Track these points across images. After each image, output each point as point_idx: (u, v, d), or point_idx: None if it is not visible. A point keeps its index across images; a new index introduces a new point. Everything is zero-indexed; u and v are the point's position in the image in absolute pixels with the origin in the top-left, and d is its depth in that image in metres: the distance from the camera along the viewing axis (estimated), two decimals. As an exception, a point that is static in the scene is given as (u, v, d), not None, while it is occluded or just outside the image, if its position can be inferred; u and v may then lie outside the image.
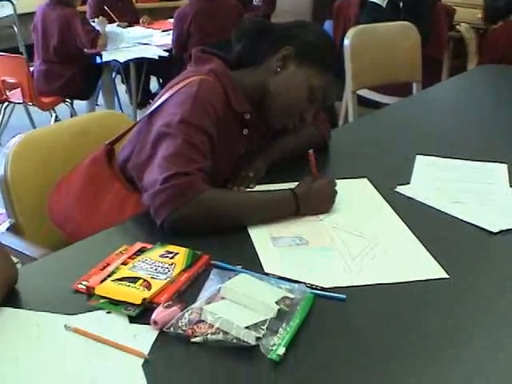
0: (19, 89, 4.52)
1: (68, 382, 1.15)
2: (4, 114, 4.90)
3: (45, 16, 4.70)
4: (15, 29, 6.49)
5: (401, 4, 4.19)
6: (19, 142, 1.96)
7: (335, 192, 1.78)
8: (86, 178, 1.84)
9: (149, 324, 1.28)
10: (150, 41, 5.04)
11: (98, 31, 4.81)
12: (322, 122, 2.14)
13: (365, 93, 3.77)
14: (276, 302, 1.31)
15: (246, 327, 1.23)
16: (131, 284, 1.37)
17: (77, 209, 1.83)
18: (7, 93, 4.65)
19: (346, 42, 3.52)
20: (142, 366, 1.18)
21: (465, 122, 2.56)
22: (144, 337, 1.25)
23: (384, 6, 4.25)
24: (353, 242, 1.61)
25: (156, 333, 1.26)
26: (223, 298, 1.32)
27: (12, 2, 6.34)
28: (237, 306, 1.29)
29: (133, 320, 1.30)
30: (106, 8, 5.45)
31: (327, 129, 2.18)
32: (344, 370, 1.19)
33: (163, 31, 5.32)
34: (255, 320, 1.26)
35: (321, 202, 1.75)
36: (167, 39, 4.87)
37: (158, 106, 1.81)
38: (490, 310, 1.37)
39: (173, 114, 1.73)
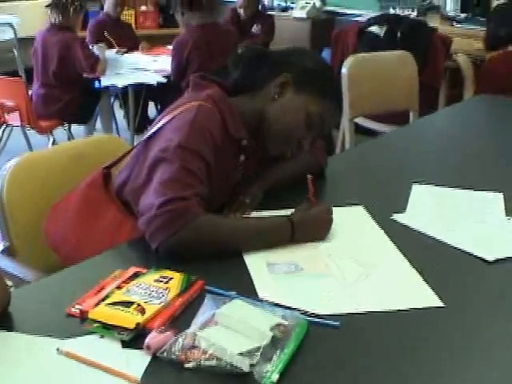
0: (17, 112, 4.53)
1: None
2: (2, 137, 4.91)
3: (45, 40, 4.72)
4: (15, 53, 6.51)
5: (398, 33, 4.22)
6: (16, 164, 1.96)
7: (331, 220, 1.77)
8: (83, 201, 1.84)
9: (142, 349, 1.27)
10: (149, 67, 5.07)
11: (98, 56, 4.83)
12: (319, 150, 2.15)
13: (362, 121, 3.78)
14: (270, 329, 1.30)
15: (240, 354, 1.22)
16: (125, 308, 1.36)
17: (72, 232, 1.82)
18: (5, 115, 4.66)
19: (344, 70, 3.54)
20: (135, 389, 1.18)
21: (461, 151, 2.56)
22: (137, 362, 1.25)
23: (382, 35, 4.28)
24: (348, 268, 1.60)
25: (149, 358, 1.25)
26: (217, 324, 1.31)
27: (13, 26, 6.38)
28: (231, 332, 1.29)
29: (126, 345, 1.29)
30: (105, 34, 5.47)
31: (324, 156, 2.18)
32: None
33: (156, 57, 5.36)
34: (249, 347, 1.25)
35: (317, 230, 1.75)
36: (166, 65, 4.89)
37: (156, 131, 1.81)
38: (485, 339, 1.36)
39: (170, 140, 1.73)
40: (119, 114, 5.84)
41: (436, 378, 1.23)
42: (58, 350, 1.27)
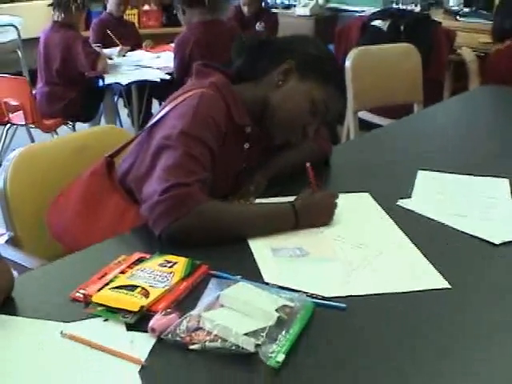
0: (21, 111, 4.52)
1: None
2: (6, 136, 4.90)
3: (48, 39, 4.72)
4: (19, 54, 6.52)
5: (402, 27, 4.20)
6: (19, 155, 1.95)
7: (335, 205, 1.76)
8: (86, 190, 1.83)
9: (146, 331, 1.26)
10: (152, 64, 5.06)
11: (99, 53, 4.82)
12: (323, 138, 2.13)
13: (366, 116, 3.76)
14: (276, 310, 1.29)
15: (245, 334, 1.21)
16: (129, 292, 1.35)
17: (75, 221, 1.81)
18: (9, 115, 4.66)
19: (347, 63, 3.53)
20: (139, 372, 1.16)
21: (466, 139, 2.55)
22: (141, 344, 1.24)
23: (385, 29, 4.26)
24: (354, 252, 1.59)
25: (153, 340, 1.24)
26: (222, 306, 1.30)
27: (16, 27, 6.38)
28: (236, 314, 1.28)
29: (130, 327, 1.28)
30: (108, 32, 5.47)
31: (328, 144, 2.17)
32: (343, 379, 1.17)
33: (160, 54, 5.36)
34: (254, 327, 1.24)
35: (320, 215, 1.74)
36: (169, 62, 4.88)
37: (159, 119, 1.80)
38: (492, 320, 1.35)
39: (173, 127, 1.72)
40: (123, 112, 5.84)
41: (443, 358, 1.21)
42: (61, 333, 1.26)
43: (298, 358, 1.20)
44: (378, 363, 1.21)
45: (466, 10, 5.31)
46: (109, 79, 4.72)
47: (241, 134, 1.86)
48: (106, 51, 5.20)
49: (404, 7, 5.44)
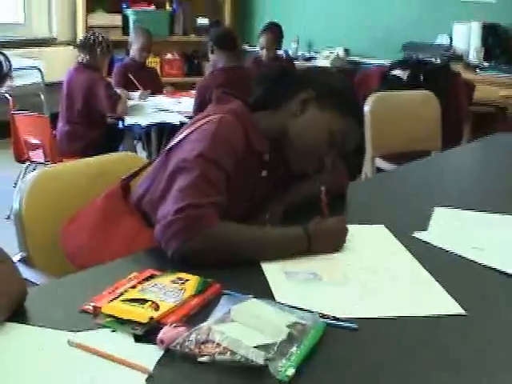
0: (41, 149, 4.56)
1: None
2: (25, 174, 4.94)
3: (72, 79, 4.78)
4: (42, 97, 6.59)
5: (421, 77, 4.22)
6: (35, 177, 1.96)
7: (346, 230, 1.75)
8: (101, 211, 1.83)
9: (155, 343, 1.24)
10: (172, 108, 5.10)
11: (120, 96, 4.87)
12: (341, 171, 2.13)
13: (383, 165, 3.76)
14: (287, 326, 1.27)
15: (255, 347, 1.19)
16: (139, 305, 1.33)
17: (89, 242, 1.81)
18: (29, 153, 4.70)
19: (366, 108, 3.53)
20: (146, 380, 1.14)
21: (481, 181, 2.54)
22: (149, 355, 1.22)
23: (405, 78, 4.29)
24: (366, 278, 1.57)
25: (161, 352, 1.23)
26: (233, 321, 1.28)
27: (40, 70, 6.47)
28: (246, 328, 1.26)
29: (138, 339, 1.27)
30: (130, 76, 5.54)
31: (345, 178, 2.16)
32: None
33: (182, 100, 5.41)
34: (265, 341, 1.22)
35: (332, 240, 1.73)
36: (189, 107, 4.92)
37: (177, 143, 1.81)
38: (508, 348, 1.32)
39: (191, 150, 1.73)
40: (142, 155, 5.87)
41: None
42: (68, 341, 1.24)
43: (307, 373, 1.18)
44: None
45: (486, 64, 5.33)
46: (129, 121, 4.76)
47: (258, 161, 1.86)
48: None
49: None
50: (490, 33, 5.57)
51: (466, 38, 5.70)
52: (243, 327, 1.26)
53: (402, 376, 1.21)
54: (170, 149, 1.82)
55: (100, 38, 4.80)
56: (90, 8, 7.10)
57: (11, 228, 1.95)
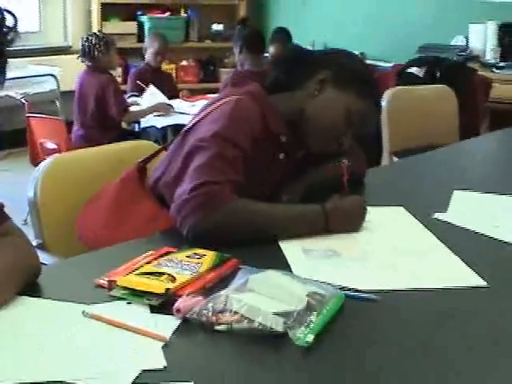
0: (57, 154, 4.55)
1: (84, 364, 1.09)
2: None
3: (83, 81, 4.78)
4: (57, 104, 6.60)
5: (438, 74, 4.20)
6: (50, 163, 1.95)
7: (365, 210, 1.72)
8: (117, 195, 1.81)
9: (171, 314, 1.22)
10: (188, 111, 5.09)
11: (127, 107, 4.87)
12: (359, 157, 2.10)
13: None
14: (306, 295, 1.24)
15: (274, 314, 1.17)
16: (155, 277, 1.31)
17: (106, 225, 1.79)
18: (45, 157, 4.69)
19: (383, 103, 3.50)
20: (162, 347, 1.12)
21: (501, 168, 2.51)
22: (165, 324, 1.19)
23: (421, 75, 4.26)
24: (387, 254, 1.55)
25: (178, 322, 1.20)
26: (250, 291, 1.26)
27: (55, 77, 6.48)
28: (264, 297, 1.23)
29: (154, 310, 1.24)
30: (138, 82, 5.52)
31: (363, 163, 2.13)
32: (371, 365, 1.12)
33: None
34: (283, 309, 1.19)
35: (350, 219, 1.70)
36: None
37: (193, 125, 1.79)
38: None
39: (207, 130, 1.71)
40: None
41: (473, 355, 1.15)
42: (83, 312, 1.22)
43: (327, 341, 1.16)
44: (407, 353, 1.16)
45: (503, 63, 5.29)
46: (144, 123, 4.76)
47: (276, 143, 1.83)
48: (143, 100, 5.25)
49: (440, 58, 5.43)
50: (507, 32, 5.53)
51: (483, 38, 5.66)
52: (261, 296, 1.23)
53: (422, 348, 1.18)
54: (187, 131, 1.80)
55: (94, 40, 4.78)
56: (105, 16, 7.12)
57: (29, 232, 1.92)
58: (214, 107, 1.79)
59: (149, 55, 5.82)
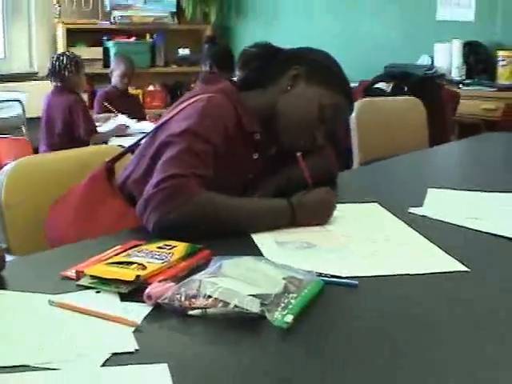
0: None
1: (52, 349, 1.03)
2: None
3: (50, 102, 4.72)
4: (23, 130, 6.51)
5: (405, 88, 4.20)
6: (15, 165, 1.89)
7: (332, 201, 1.69)
8: (84, 194, 1.76)
9: (142, 302, 1.16)
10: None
11: (95, 129, 4.82)
12: (331, 157, 2.06)
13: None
14: (283, 278, 1.19)
15: (250, 295, 1.12)
16: (125, 266, 1.26)
17: (73, 226, 1.73)
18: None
19: (353, 114, 3.49)
20: (134, 332, 1.06)
21: (477, 173, 2.48)
22: (136, 312, 1.14)
23: (389, 90, 4.26)
24: (365, 244, 1.51)
25: (150, 308, 1.15)
26: (225, 276, 1.20)
27: (21, 102, 6.40)
28: (239, 281, 1.18)
29: (124, 299, 1.19)
30: (105, 104, 5.48)
31: (335, 163, 2.10)
32: (353, 348, 1.08)
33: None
34: (259, 292, 1.14)
35: (318, 212, 1.66)
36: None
37: (163, 123, 1.75)
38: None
39: (178, 127, 1.67)
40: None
41: (453, 342, 1.09)
42: (49, 301, 1.16)
43: (307, 323, 1.11)
44: (385, 337, 1.12)
45: (469, 81, 5.32)
46: (112, 142, 4.70)
47: (249, 141, 1.79)
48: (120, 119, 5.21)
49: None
50: (471, 51, 5.57)
51: (448, 56, 5.69)
52: (236, 280, 1.18)
53: (404, 330, 1.13)
54: (157, 129, 1.76)
55: (65, 60, 4.72)
56: (71, 42, 7.06)
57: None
58: (185, 105, 1.75)
59: (115, 78, 5.78)
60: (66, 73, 4.70)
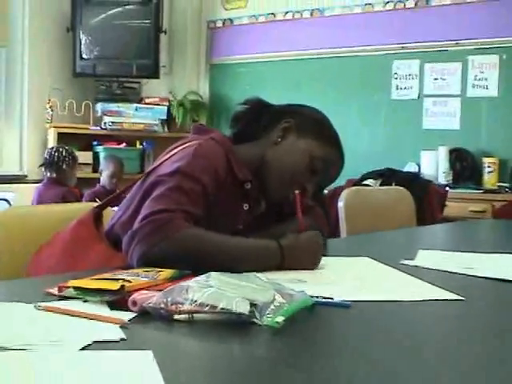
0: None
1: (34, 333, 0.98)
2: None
3: (41, 194, 4.74)
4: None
5: (393, 184, 4.23)
6: (6, 212, 1.87)
7: (322, 247, 1.66)
8: (70, 239, 1.71)
9: (127, 309, 1.12)
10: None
11: None
12: (320, 217, 2.04)
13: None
14: (273, 289, 1.15)
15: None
16: (110, 280, 1.22)
17: (59, 269, 1.68)
18: None
19: (340, 203, 3.49)
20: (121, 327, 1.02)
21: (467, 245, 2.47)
22: (122, 314, 1.09)
23: (377, 186, 4.29)
24: (357, 281, 1.47)
25: (135, 314, 1.10)
26: (212, 286, 1.15)
27: (8, 202, 6.39)
28: (229, 288, 1.13)
29: (112, 307, 1.14)
30: (97, 200, 5.49)
31: (325, 223, 2.07)
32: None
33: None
34: (249, 297, 1.10)
35: (307, 256, 1.62)
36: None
37: (153, 169, 1.73)
38: None
39: (168, 168, 1.66)
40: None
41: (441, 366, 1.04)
42: (35, 306, 1.11)
43: (299, 322, 1.06)
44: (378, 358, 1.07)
45: (455, 185, 5.39)
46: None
47: (240, 191, 1.77)
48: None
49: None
50: (457, 158, 5.66)
51: (434, 163, 5.77)
52: (225, 286, 1.13)
53: (396, 346, 1.09)
54: (148, 174, 1.74)
55: (64, 153, 4.78)
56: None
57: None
58: (176, 151, 1.74)
59: (104, 178, 5.81)
60: (64, 165, 4.75)
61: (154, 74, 6.99)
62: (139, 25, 6.96)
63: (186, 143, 1.76)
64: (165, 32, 6.96)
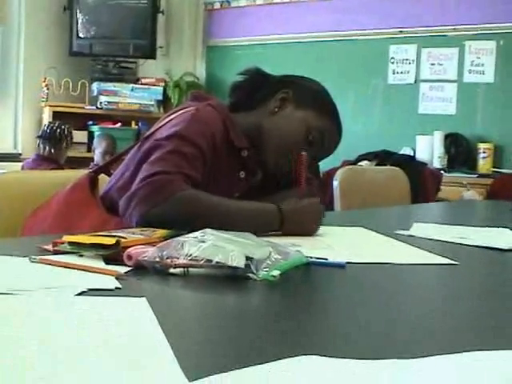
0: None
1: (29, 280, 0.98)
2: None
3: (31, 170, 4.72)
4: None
5: (388, 165, 4.23)
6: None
7: (322, 213, 1.67)
8: (65, 203, 1.71)
9: (122, 263, 1.12)
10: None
11: None
12: (317, 188, 2.04)
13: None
14: (268, 246, 1.15)
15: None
16: (105, 236, 1.21)
17: (54, 232, 1.67)
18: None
19: (335, 183, 3.49)
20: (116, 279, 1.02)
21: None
22: (117, 268, 1.09)
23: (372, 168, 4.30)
24: (353, 247, 1.48)
25: (130, 268, 1.10)
26: (208, 241, 1.15)
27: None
28: (225, 242, 1.13)
29: (107, 262, 1.14)
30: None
31: (322, 194, 2.07)
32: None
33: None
34: (245, 252, 1.10)
35: (307, 222, 1.63)
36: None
37: (150, 134, 1.73)
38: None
39: (165, 132, 1.66)
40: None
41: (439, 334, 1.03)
42: (30, 258, 1.11)
43: (293, 277, 1.07)
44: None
45: (451, 169, 5.40)
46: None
47: (237, 158, 1.77)
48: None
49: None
50: (453, 143, 5.67)
51: (429, 148, 5.77)
52: (221, 241, 1.13)
53: (385, 313, 1.09)
54: (144, 139, 1.74)
55: (66, 131, 4.75)
56: (56, 125, 7.10)
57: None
58: (173, 116, 1.74)
59: (97, 155, 5.78)
60: (64, 144, 4.71)
61: (151, 55, 6.97)
62: (137, 5, 6.92)
63: (183, 109, 1.75)
64: (162, 12, 6.93)
